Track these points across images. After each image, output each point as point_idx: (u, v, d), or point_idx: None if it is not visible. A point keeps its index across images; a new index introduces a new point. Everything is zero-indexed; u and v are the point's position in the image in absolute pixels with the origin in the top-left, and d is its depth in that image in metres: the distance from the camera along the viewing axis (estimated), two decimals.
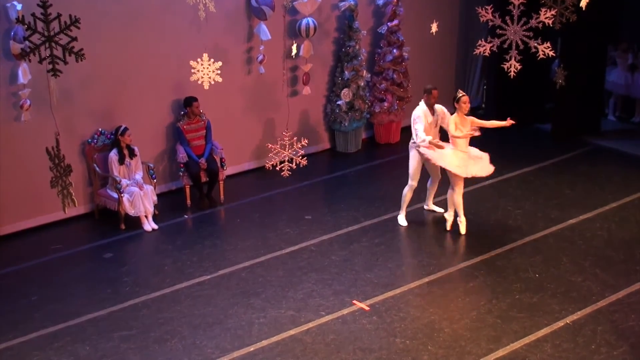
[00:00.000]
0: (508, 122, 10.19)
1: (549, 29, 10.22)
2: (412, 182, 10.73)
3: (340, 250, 10.33)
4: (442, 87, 14.89)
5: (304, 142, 10.36)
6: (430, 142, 10.09)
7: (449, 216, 10.72)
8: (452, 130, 10.15)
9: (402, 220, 10.96)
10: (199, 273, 9.84)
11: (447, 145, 10.30)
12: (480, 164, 10.33)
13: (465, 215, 10.69)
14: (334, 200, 11.91)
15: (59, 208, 9.08)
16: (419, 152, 10.44)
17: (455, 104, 10.17)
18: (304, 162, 10.42)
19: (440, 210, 11.09)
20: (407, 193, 10.83)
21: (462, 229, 10.60)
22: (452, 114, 10.27)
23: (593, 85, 13.86)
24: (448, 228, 10.69)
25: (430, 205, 11.30)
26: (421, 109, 10.30)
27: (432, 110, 10.37)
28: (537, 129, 14.22)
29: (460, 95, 10.13)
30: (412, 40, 13.70)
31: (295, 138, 10.25)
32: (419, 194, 11.57)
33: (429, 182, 11.08)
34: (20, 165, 10.59)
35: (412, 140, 10.51)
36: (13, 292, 9.51)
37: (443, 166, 10.34)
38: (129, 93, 11.32)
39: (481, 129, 10.26)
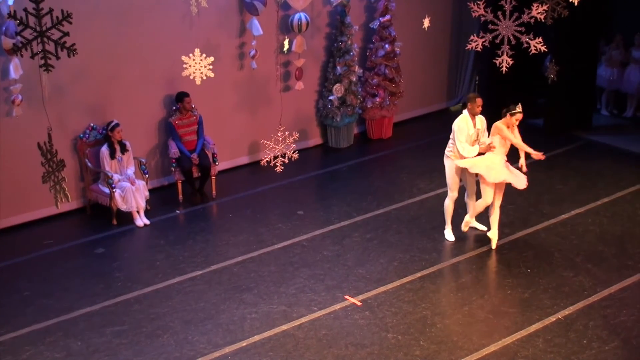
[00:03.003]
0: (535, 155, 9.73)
1: (541, 24, 10.23)
2: (452, 193, 10.10)
3: (332, 246, 10.33)
4: (434, 82, 15.04)
5: (295, 136, 10.36)
6: (481, 149, 9.64)
7: (492, 235, 10.11)
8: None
9: (449, 234, 10.37)
10: (190, 268, 9.83)
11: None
12: (514, 176, 9.74)
13: (457, 210, 10.72)
14: (326, 196, 11.92)
15: (50, 203, 9.06)
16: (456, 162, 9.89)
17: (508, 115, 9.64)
18: (295, 156, 10.41)
19: (483, 227, 10.46)
20: (448, 205, 10.23)
21: (493, 244, 10.15)
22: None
23: (585, 80, 13.88)
24: (493, 247, 10.13)
25: (472, 221, 10.53)
26: (464, 120, 9.68)
27: (474, 121, 9.76)
28: (529, 124, 14.20)
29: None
30: (404, 35, 13.69)
31: (287, 133, 10.25)
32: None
33: (465, 196, 10.36)
34: (12, 161, 10.55)
35: (447, 149, 9.95)
36: (5, 287, 9.49)
37: (474, 171, 9.79)
38: (121, 88, 11.29)
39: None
